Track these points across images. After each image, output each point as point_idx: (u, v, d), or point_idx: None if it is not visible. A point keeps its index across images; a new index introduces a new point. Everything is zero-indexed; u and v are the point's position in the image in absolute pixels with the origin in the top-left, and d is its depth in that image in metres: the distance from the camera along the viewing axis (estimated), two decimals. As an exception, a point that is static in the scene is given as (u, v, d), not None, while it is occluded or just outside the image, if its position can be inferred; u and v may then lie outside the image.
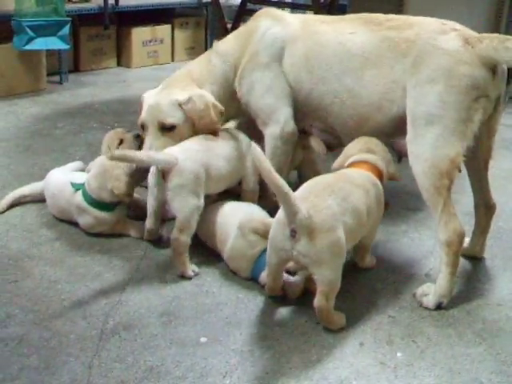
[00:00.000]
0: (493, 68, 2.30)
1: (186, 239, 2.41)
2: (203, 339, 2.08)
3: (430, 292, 2.32)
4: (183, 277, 2.41)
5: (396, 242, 2.76)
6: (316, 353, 2.04)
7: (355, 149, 2.47)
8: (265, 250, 2.25)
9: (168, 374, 1.91)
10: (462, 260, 2.64)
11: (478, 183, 2.65)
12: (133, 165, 2.61)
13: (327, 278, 2.06)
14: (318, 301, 2.08)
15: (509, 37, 2.24)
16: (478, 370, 2.00)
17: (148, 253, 2.59)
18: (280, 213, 2.10)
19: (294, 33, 2.71)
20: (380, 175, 2.40)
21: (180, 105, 2.64)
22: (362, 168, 2.37)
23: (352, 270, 2.50)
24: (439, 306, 2.29)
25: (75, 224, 2.76)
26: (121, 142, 2.87)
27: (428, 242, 2.78)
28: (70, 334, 2.07)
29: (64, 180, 2.79)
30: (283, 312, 2.25)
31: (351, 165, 2.41)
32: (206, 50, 6.63)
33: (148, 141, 2.63)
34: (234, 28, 4.52)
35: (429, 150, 2.30)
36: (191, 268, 2.44)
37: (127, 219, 2.75)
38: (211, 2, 5.70)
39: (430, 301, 2.30)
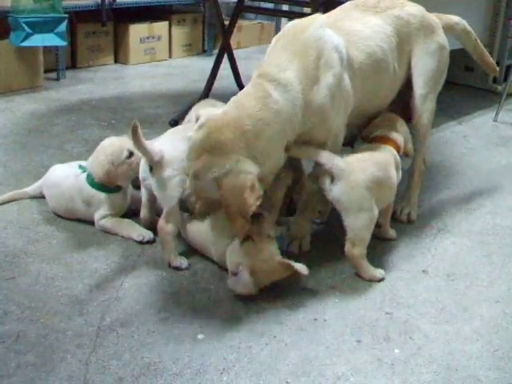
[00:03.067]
0: None
1: (172, 229, 2.44)
2: (200, 336, 2.08)
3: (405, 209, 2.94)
4: (176, 269, 2.43)
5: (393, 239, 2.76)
6: (313, 349, 2.04)
7: (382, 123, 2.72)
8: None
9: (165, 370, 1.91)
10: (460, 257, 2.65)
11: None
12: (121, 157, 2.65)
13: (353, 226, 2.38)
14: (346, 247, 2.40)
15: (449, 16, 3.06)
16: (476, 366, 2.00)
17: (145, 250, 2.58)
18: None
19: (344, 39, 2.50)
20: (398, 149, 2.66)
21: (216, 180, 2.17)
22: (384, 142, 2.64)
23: (349, 266, 2.51)
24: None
25: (72, 220, 2.76)
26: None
27: (425, 239, 2.78)
28: (66, 330, 2.07)
29: (69, 170, 2.85)
30: (280, 309, 2.24)
31: (375, 138, 2.67)
32: (203, 46, 6.63)
33: None
34: (232, 25, 4.50)
35: (432, 103, 2.88)
36: (180, 259, 2.46)
37: (133, 222, 2.72)
38: (209, -1, 5.70)
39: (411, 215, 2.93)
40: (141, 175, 2.59)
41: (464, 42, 3.14)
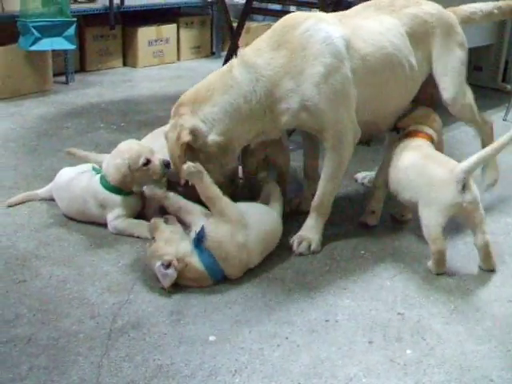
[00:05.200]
0: None
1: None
2: (212, 338, 2.08)
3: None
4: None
5: (404, 240, 2.75)
6: (325, 350, 2.04)
7: (419, 118, 2.83)
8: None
9: (177, 372, 1.91)
10: (471, 256, 2.63)
11: None
12: (139, 163, 2.65)
13: (483, 215, 2.48)
14: (483, 237, 2.48)
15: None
16: (488, 366, 1.99)
17: (156, 252, 2.58)
18: (443, 176, 2.48)
19: (347, 31, 2.56)
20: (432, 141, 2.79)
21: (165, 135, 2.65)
22: (419, 136, 2.75)
23: (361, 266, 2.50)
24: None
25: (83, 223, 2.77)
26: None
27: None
28: (78, 333, 2.08)
29: (80, 172, 2.84)
30: (292, 310, 2.24)
31: (410, 132, 2.78)
32: (211, 49, 6.65)
33: None
34: (240, 27, 4.51)
35: (466, 91, 3.01)
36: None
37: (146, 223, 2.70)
38: (216, 1, 5.70)
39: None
40: None
41: (491, 20, 3.24)
